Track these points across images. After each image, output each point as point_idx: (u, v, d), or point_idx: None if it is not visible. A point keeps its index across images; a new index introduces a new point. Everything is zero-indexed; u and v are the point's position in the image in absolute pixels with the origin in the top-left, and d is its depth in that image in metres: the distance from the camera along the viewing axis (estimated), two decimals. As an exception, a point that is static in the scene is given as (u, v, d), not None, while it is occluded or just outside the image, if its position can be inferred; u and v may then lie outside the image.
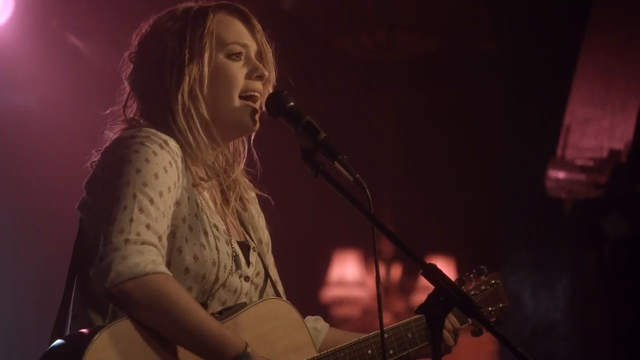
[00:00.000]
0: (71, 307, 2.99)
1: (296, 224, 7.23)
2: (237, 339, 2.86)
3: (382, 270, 8.40)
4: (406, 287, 8.71)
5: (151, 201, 2.84)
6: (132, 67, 3.15)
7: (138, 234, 2.80)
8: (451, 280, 2.70)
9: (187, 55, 3.04)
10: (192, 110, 3.03)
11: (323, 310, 8.03)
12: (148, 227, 2.81)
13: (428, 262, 2.73)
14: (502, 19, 7.10)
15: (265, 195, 3.28)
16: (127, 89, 3.15)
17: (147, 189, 2.85)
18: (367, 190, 2.84)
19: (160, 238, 2.84)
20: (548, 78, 7.04)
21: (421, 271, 2.72)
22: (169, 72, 3.04)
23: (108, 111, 3.15)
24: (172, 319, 2.80)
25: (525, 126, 7.25)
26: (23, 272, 6.52)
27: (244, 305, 3.03)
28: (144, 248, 2.79)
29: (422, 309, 2.70)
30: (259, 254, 3.18)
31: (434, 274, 2.69)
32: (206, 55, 3.05)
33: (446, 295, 2.67)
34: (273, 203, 3.27)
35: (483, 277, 3.50)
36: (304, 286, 7.79)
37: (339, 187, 2.88)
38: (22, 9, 6.23)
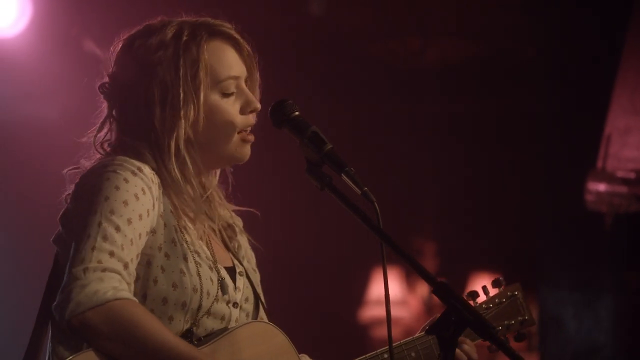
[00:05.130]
0: (48, 342, 2.90)
1: (333, 240, 7.08)
2: None
3: (424, 288, 8.21)
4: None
5: (117, 228, 2.77)
6: (116, 91, 3.02)
7: (99, 262, 2.73)
8: (464, 299, 2.61)
9: (181, 96, 2.93)
10: (187, 159, 2.95)
11: (361, 331, 7.85)
12: (112, 254, 2.74)
13: (439, 280, 2.63)
14: (540, 25, 6.97)
15: (250, 209, 3.19)
16: (104, 111, 3.04)
17: (113, 216, 2.78)
18: (376, 204, 2.75)
19: (126, 265, 2.77)
20: (588, 86, 6.92)
21: (432, 289, 2.63)
22: (160, 110, 2.94)
23: (84, 138, 3.07)
24: (136, 344, 2.71)
25: (564, 137, 7.11)
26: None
27: (225, 329, 2.91)
28: (105, 275, 2.72)
29: (433, 329, 2.61)
30: (248, 278, 3.07)
31: (446, 292, 2.60)
32: (202, 95, 2.96)
33: (458, 315, 2.56)
34: (260, 214, 3.17)
35: (500, 289, 3.40)
36: (341, 306, 7.65)
37: (346, 201, 2.78)
38: (41, 16, 6.15)
